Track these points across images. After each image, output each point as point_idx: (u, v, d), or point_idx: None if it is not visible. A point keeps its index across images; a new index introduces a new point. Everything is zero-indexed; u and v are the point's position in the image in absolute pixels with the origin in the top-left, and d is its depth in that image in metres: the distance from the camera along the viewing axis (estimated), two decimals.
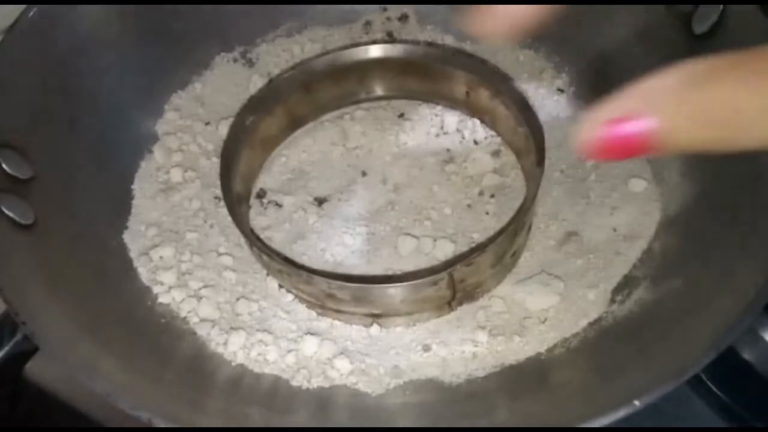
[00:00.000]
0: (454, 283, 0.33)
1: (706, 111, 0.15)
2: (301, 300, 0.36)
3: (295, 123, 0.42)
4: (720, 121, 0.15)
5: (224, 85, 0.44)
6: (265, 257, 0.34)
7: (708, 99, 0.15)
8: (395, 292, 0.33)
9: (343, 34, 0.46)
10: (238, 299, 0.36)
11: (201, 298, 0.36)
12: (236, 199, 0.37)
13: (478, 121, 0.41)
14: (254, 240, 0.36)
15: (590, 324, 0.35)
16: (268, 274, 0.37)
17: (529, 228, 0.37)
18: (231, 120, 0.40)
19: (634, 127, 0.16)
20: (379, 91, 0.43)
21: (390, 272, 0.37)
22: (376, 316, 0.35)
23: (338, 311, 0.35)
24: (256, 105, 0.39)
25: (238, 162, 0.38)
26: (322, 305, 0.35)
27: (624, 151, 0.16)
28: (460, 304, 0.35)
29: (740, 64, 0.15)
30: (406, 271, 0.37)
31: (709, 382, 0.36)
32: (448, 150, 0.41)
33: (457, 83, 0.40)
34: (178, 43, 0.43)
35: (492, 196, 0.39)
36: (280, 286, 0.37)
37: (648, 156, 0.16)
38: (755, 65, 0.15)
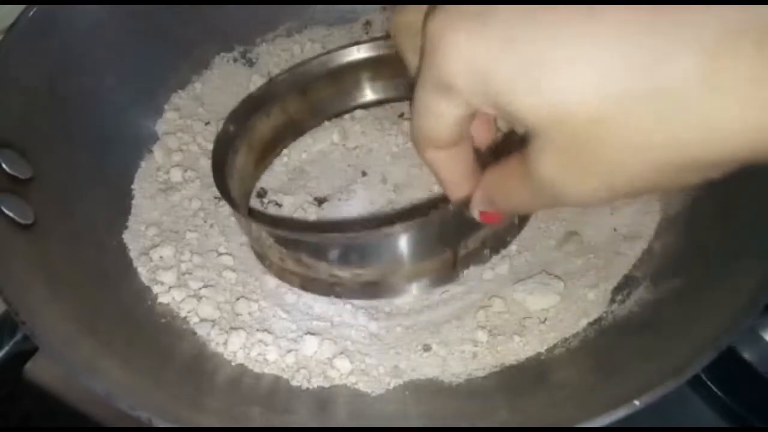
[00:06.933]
0: (456, 252, 0.33)
1: (503, 204, 0.26)
2: (293, 282, 0.36)
3: (294, 128, 0.42)
4: (513, 207, 0.27)
5: (224, 85, 0.45)
6: (264, 232, 0.34)
7: (500, 198, 0.26)
8: (394, 235, 0.33)
9: (343, 34, 0.46)
10: (238, 299, 0.36)
11: (201, 297, 0.36)
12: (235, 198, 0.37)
13: None
14: (254, 220, 0.35)
15: (590, 324, 0.35)
16: (267, 266, 0.37)
17: None
18: None
19: (488, 214, 0.27)
20: (378, 94, 0.43)
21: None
22: (374, 284, 0.35)
23: (334, 285, 0.35)
24: (253, 104, 0.39)
25: (234, 160, 0.38)
26: (314, 278, 0.35)
27: (494, 219, 0.28)
28: (466, 267, 0.35)
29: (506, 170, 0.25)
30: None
31: (709, 382, 0.36)
32: None
33: None
34: (178, 43, 0.43)
35: None
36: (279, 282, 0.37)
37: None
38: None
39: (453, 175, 0.26)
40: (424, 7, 0.23)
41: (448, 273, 0.35)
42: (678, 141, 0.18)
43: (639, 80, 0.18)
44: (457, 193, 0.28)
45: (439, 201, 0.35)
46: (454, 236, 0.33)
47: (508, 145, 0.39)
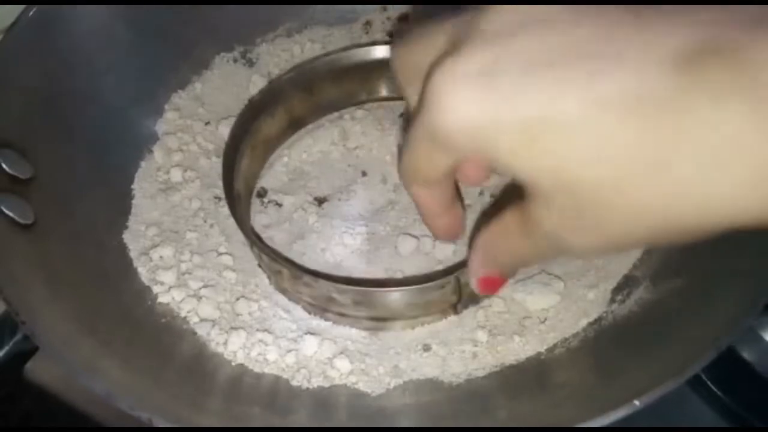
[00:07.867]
0: (460, 286, 0.33)
1: (506, 261, 0.25)
2: (299, 302, 0.36)
3: (297, 124, 0.42)
4: (516, 263, 0.26)
5: (224, 85, 0.44)
6: (266, 259, 0.34)
7: (501, 255, 0.25)
8: (401, 296, 0.33)
9: (343, 34, 0.46)
10: (238, 299, 0.36)
11: (201, 297, 0.36)
12: (237, 198, 0.37)
13: None
14: (256, 241, 0.36)
15: (590, 324, 0.35)
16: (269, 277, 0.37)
17: None
18: (231, 120, 0.40)
19: (488, 282, 0.26)
20: (381, 92, 0.43)
21: (390, 272, 0.37)
22: (379, 320, 0.35)
23: (340, 315, 0.35)
24: (258, 107, 0.39)
25: (240, 164, 0.38)
26: (324, 308, 0.35)
27: (495, 288, 0.27)
28: (466, 307, 0.35)
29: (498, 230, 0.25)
30: (406, 272, 0.37)
31: (709, 382, 0.36)
32: None
33: None
34: (178, 43, 0.43)
35: (492, 196, 0.39)
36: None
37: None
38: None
39: (434, 207, 0.27)
40: (432, 48, 0.22)
41: (448, 315, 0.36)
42: (673, 209, 0.18)
43: (638, 148, 0.18)
44: (434, 223, 0.28)
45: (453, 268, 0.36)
46: (459, 285, 0.34)
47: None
